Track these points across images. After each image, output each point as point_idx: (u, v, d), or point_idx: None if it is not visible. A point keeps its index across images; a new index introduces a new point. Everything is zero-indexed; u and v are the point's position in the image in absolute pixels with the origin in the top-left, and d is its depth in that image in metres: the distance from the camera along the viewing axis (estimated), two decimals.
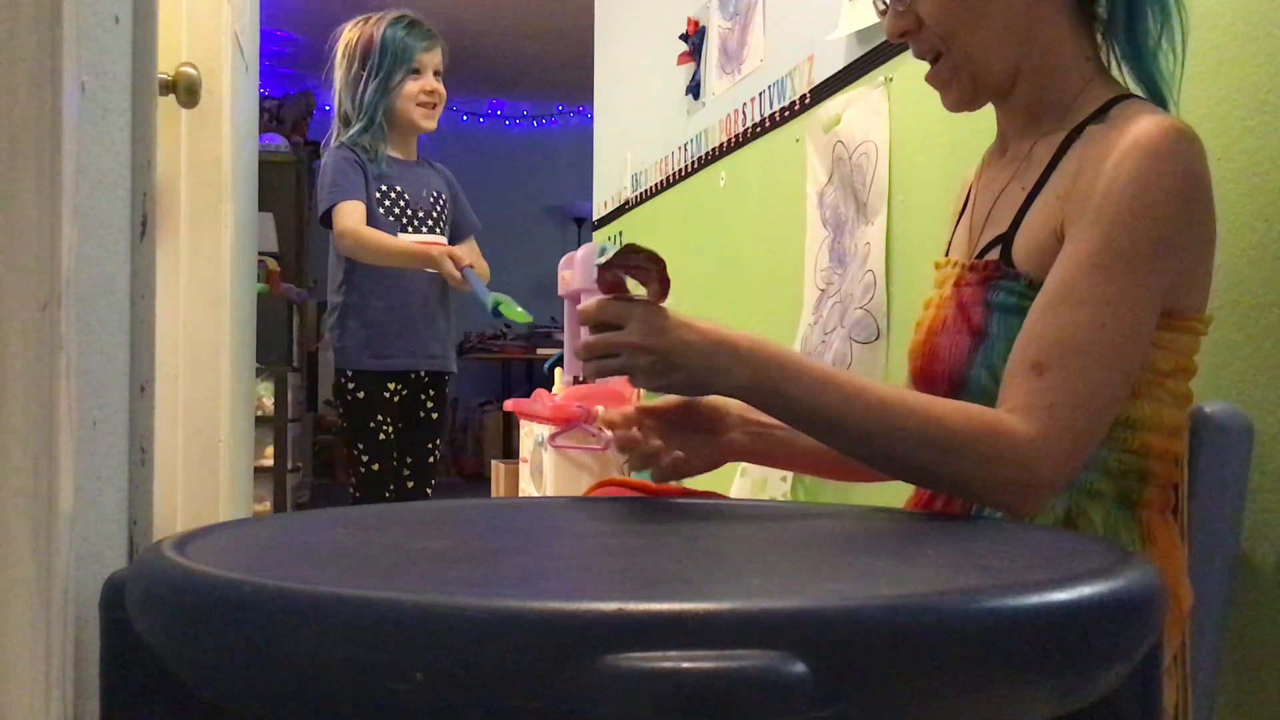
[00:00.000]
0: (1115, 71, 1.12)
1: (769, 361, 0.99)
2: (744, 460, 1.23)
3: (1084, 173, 1.02)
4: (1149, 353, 1.01)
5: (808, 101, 2.27)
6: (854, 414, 0.98)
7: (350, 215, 2.62)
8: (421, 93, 2.74)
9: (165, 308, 1.39)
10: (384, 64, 2.71)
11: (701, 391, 1.03)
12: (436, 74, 2.78)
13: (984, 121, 1.20)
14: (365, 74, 2.72)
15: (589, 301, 1.06)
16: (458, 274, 2.57)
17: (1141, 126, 1.00)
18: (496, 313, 2.59)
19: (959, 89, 1.12)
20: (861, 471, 1.18)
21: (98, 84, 0.91)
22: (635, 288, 1.06)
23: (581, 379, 2.66)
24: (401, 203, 2.73)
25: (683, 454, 1.18)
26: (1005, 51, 1.09)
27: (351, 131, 2.72)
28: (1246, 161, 1.19)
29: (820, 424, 1.00)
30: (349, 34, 2.78)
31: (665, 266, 1.03)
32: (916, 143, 1.89)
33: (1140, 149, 0.98)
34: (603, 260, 1.04)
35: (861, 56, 2.05)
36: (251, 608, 0.59)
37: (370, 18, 2.78)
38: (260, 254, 4.04)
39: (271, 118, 6.90)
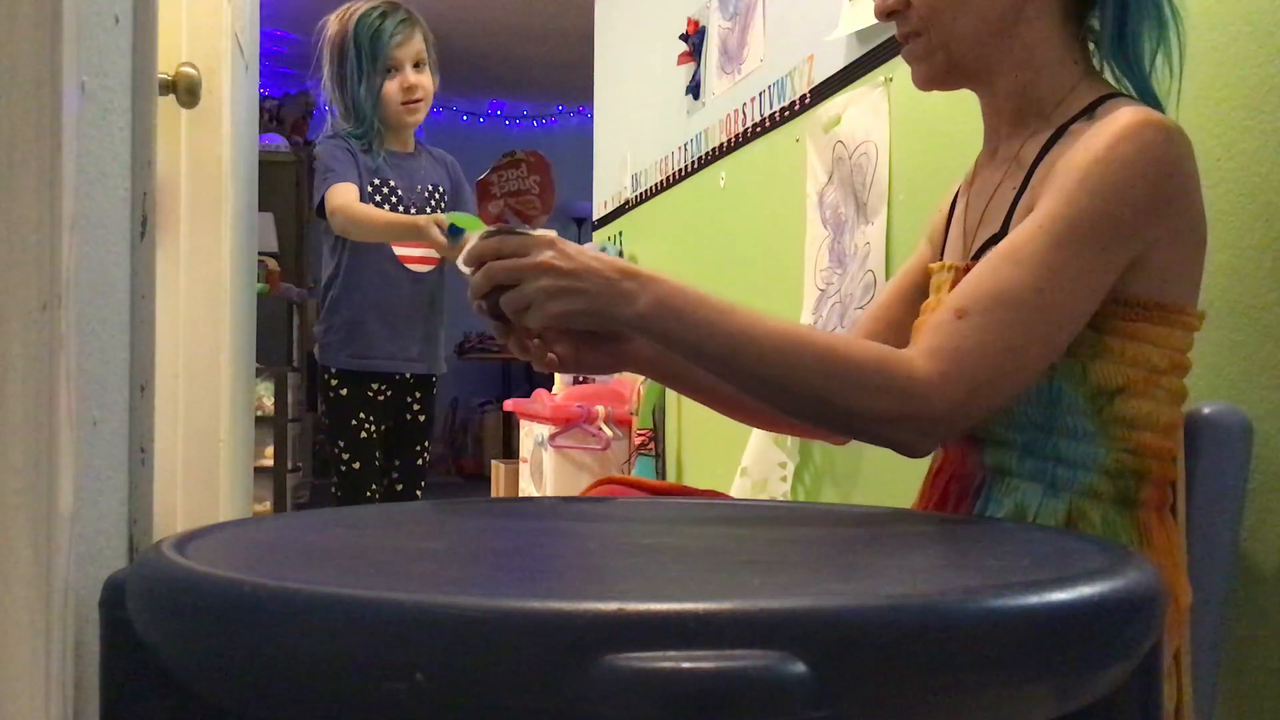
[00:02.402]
0: (1109, 77, 1.12)
1: (673, 290, 0.97)
2: (647, 375, 1.20)
3: (1059, 160, 1.02)
4: (1138, 346, 1.01)
5: (808, 101, 2.27)
6: (752, 342, 0.96)
7: (341, 195, 2.58)
8: (401, 91, 2.68)
9: (165, 308, 1.39)
10: (362, 66, 2.65)
11: (604, 320, 0.98)
12: (418, 65, 2.70)
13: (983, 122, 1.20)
14: (346, 74, 2.67)
15: (480, 237, 1.01)
16: (443, 239, 2.46)
17: (1119, 115, 1.00)
18: (456, 230, 2.46)
19: (929, 66, 1.13)
20: (755, 412, 1.16)
21: (98, 84, 0.91)
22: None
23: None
24: (394, 198, 2.71)
25: (566, 350, 1.09)
26: (983, 42, 1.10)
27: (345, 127, 2.69)
28: (1246, 161, 1.19)
29: (719, 353, 0.97)
30: (330, 29, 2.72)
31: (549, 169, 1.00)
32: (916, 143, 1.89)
33: (1110, 132, 0.99)
34: (484, 176, 0.98)
35: (861, 56, 2.05)
36: (251, 608, 0.59)
37: (346, 10, 2.71)
38: (260, 254, 4.04)
39: (271, 118, 6.90)
